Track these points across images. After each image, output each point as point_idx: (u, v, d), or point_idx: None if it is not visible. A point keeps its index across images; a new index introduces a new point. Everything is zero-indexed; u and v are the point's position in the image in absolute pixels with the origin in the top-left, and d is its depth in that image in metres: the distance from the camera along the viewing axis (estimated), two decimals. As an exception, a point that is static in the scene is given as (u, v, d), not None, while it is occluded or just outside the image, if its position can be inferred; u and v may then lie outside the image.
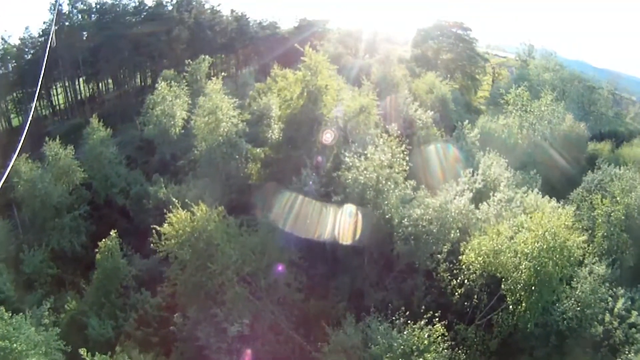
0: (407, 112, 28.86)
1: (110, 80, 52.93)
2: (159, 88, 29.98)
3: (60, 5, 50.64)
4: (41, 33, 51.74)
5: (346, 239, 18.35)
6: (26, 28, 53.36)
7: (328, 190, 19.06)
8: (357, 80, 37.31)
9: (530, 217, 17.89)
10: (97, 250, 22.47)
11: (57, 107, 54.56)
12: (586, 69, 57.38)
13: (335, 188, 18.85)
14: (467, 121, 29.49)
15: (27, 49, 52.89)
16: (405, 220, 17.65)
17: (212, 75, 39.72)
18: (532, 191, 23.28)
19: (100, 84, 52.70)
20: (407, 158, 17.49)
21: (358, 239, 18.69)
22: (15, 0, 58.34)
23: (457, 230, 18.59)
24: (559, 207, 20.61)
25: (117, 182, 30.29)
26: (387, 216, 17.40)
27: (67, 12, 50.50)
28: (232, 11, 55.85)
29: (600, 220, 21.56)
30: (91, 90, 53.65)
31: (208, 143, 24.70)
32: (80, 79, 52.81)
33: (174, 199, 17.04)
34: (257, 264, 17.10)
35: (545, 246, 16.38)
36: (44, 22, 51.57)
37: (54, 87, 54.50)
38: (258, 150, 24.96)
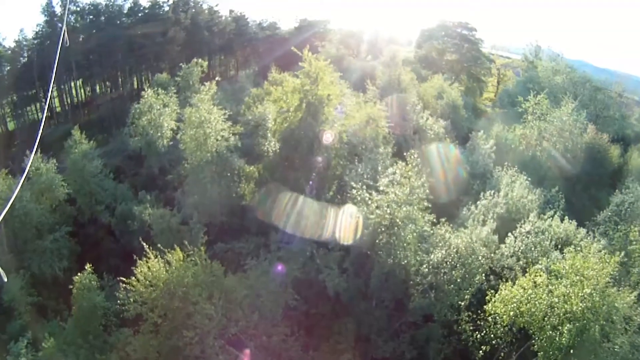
0: (417, 122, 24.53)
1: (107, 83, 48.46)
2: (146, 96, 25.64)
3: (52, 7, 46.13)
4: (35, 35, 47.48)
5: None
6: (21, 30, 48.88)
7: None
8: (360, 84, 32.98)
9: (567, 262, 14.15)
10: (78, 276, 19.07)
11: (54, 111, 50.33)
12: (587, 68, 52.82)
13: None
14: (481, 131, 25.12)
15: (22, 52, 48.67)
16: (424, 266, 13.58)
17: (210, 78, 35.36)
18: (556, 213, 19.48)
19: (96, 87, 48.29)
20: (428, 191, 13.33)
21: (365, 284, 14.70)
22: (9, 1, 53.46)
23: (483, 274, 14.56)
24: (592, 242, 16.78)
25: (102, 198, 26.25)
26: (402, 262, 13.33)
27: (59, 14, 45.79)
28: (231, 11, 51.00)
29: (636, 255, 17.62)
30: (87, 93, 49.27)
31: (196, 159, 20.53)
32: (77, 82, 48.43)
33: (145, 245, 13.05)
34: (246, 322, 13.16)
35: (590, 305, 12.62)
36: (38, 25, 47.23)
37: (50, 90, 50.25)
38: (251, 168, 20.76)
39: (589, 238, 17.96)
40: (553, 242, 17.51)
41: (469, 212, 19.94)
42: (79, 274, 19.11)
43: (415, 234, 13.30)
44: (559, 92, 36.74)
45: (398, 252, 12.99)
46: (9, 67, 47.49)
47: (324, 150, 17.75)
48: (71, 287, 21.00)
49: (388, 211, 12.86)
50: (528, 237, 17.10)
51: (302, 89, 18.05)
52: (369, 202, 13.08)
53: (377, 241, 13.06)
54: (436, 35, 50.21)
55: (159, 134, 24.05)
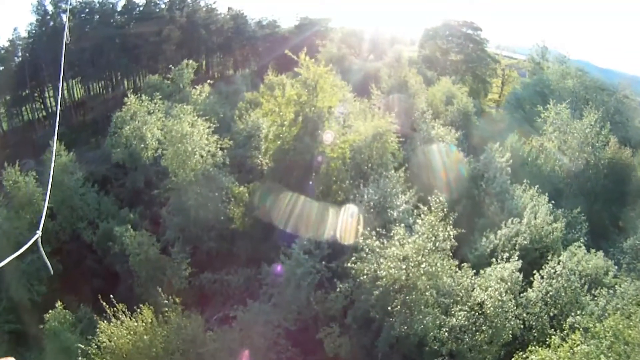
0: (428, 132, 20.93)
1: (100, 84, 44.60)
2: (128, 103, 22.01)
3: (44, 5, 41.98)
4: (27, 35, 43.52)
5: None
6: (14, 29, 44.81)
7: (329, 276, 11.54)
8: (363, 86, 29.21)
9: (607, 322, 11.22)
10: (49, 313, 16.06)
11: (49, 111, 46.69)
12: (590, 69, 48.81)
13: (340, 275, 11.34)
14: (497, 144, 21.48)
15: (16, 51, 44.81)
16: (444, 329, 10.24)
17: (208, 78, 31.58)
18: (580, 240, 16.34)
19: (89, 88, 44.47)
20: (453, 238, 9.92)
21: (371, 343, 11.41)
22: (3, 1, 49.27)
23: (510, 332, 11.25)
24: (629, 285, 13.55)
25: (85, 214, 22.91)
26: (418, 328, 9.99)
27: (51, 12, 41.67)
28: (229, 9, 46.58)
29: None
30: (83, 94, 45.51)
31: (178, 178, 17.11)
32: (71, 82, 44.60)
33: (104, 303, 9.82)
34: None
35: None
36: (30, 24, 43.27)
37: (46, 90, 46.54)
38: (241, 189, 17.28)
39: (622, 281, 14.70)
40: (585, 285, 14.17)
41: (488, 242, 16.60)
42: (50, 311, 16.24)
43: (434, 293, 9.93)
44: (569, 96, 33.23)
45: (415, 319, 9.62)
46: (2, 68, 43.84)
47: (324, 174, 14.27)
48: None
49: (403, 267, 9.48)
50: (558, 280, 13.72)
51: (298, 100, 14.43)
52: (381, 258, 9.64)
53: (389, 307, 9.71)
54: (440, 34, 45.97)
55: (142, 146, 20.56)
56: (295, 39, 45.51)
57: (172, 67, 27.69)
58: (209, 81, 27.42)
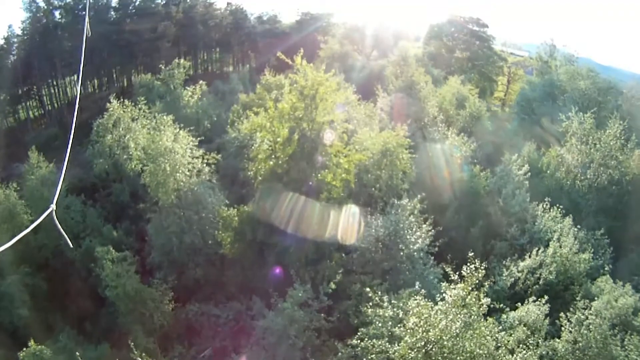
0: (441, 141, 17.96)
1: (94, 82, 41.32)
2: (111, 109, 19.06)
3: (36, 2, 38.45)
4: (22, 33, 40.26)
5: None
6: (9, 27, 41.51)
7: (328, 327, 8.90)
8: (367, 86, 26.02)
9: None
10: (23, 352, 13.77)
11: (46, 109, 43.73)
12: (593, 67, 45.12)
13: (341, 322, 8.72)
14: (516, 155, 18.50)
15: (11, 49, 41.62)
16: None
17: (207, 75, 28.43)
18: (604, 269, 14.11)
19: (85, 86, 41.25)
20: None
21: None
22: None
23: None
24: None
25: (70, 228, 20.22)
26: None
27: (44, 9, 38.18)
28: (228, 4, 42.86)
29: None
30: (79, 92, 42.26)
31: (160, 200, 14.36)
32: (66, 80, 41.50)
33: None
34: None
35: None
36: (22, 22, 39.99)
37: (43, 88, 43.40)
38: (230, 211, 14.48)
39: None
40: (618, 335, 11.42)
41: (508, 275, 13.89)
42: (24, 349, 13.84)
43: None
44: (581, 98, 30.02)
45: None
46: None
47: (324, 204, 11.47)
48: (40, 331, 16.12)
49: (422, 342, 6.82)
50: (590, 329, 10.98)
51: (294, 114, 11.49)
52: (395, 329, 6.89)
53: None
54: (446, 31, 42.19)
55: (126, 156, 17.75)
56: (296, 34, 41.99)
57: (163, 67, 24.51)
58: (200, 82, 24.29)
